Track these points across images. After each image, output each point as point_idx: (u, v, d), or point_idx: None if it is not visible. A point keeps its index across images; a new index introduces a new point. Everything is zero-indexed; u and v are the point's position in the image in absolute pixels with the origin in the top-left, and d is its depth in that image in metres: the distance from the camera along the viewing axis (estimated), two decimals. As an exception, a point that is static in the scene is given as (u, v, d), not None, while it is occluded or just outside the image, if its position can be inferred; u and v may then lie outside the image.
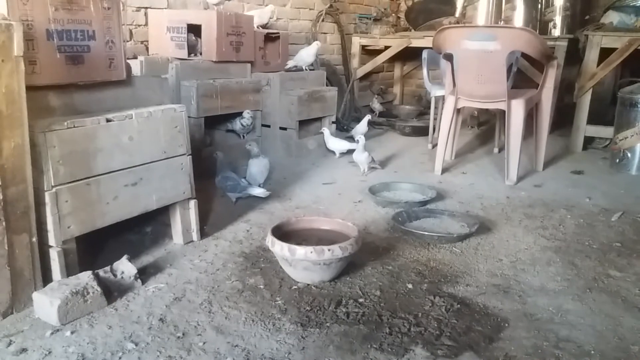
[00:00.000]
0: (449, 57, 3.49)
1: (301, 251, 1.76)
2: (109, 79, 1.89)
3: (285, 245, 1.79)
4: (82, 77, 1.78)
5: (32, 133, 1.63)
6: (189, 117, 3.19)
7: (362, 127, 4.44)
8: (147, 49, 3.65)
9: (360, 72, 5.67)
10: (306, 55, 3.91)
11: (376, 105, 5.66)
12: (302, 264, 1.80)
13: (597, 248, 2.26)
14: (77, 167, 1.75)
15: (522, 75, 4.47)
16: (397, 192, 3.05)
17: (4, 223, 1.57)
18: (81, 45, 1.75)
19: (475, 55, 3.21)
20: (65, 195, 1.72)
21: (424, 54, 4.36)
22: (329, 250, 1.76)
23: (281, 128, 3.74)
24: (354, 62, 5.72)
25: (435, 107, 4.42)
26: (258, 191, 2.78)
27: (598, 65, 4.11)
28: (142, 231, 2.30)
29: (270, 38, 3.93)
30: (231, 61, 3.54)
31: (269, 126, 3.80)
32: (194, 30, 3.45)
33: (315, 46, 3.92)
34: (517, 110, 3.23)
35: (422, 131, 4.82)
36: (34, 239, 1.67)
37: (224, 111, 3.44)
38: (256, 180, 2.96)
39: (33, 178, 1.65)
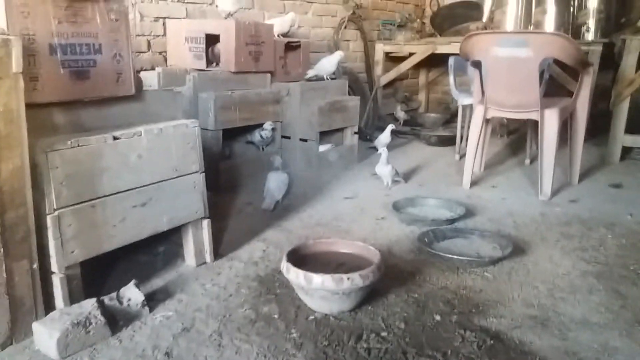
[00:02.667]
0: (477, 65, 3.32)
1: (318, 279, 1.63)
2: (117, 95, 1.79)
3: (301, 272, 1.66)
4: (88, 93, 1.69)
5: (32, 153, 1.54)
6: (206, 129, 3.14)
7: (385, 137, 4.28)
8: (165, 60, 3.58)
9: (384, 79, 5.53)
10: (328, 64, 3.79)
11: (400, 114, 5.51)
12: (319, 293, 1.66)
13: (644, 274, 2.07)
14: (82, 189, 1.65)
15: (554, 82, 4.26)
16: (422, 208, 2.89)
17: (1, 249, 1.48)
18: (87, 59, 1.66)
19: (506, 62, 3.03)
20: (68, 219, 1.62)
21: (450, 60, 4.20)
22: (348, 279, 1.62)
23: (301, 139, 3.62)
24: (378, 69, 5.58)
25: (463, 116, 4.24)
26: None
27: (637, 71, 3.87)
28: (153, 251, 2.20)
29: (290, 47, 3.82)
30: (250, 72, 3.44)
31: (289, 137, 3.68)
32: (213, 40, 3.36)
33: (337, 55, 3.80)
34: (550, 121, 3.03)
35: (448, 141, 4.64)
36: (35, 265, 1.58)
37: (242, 123, 3.33)
38: (273, 197, 2.84)
39: (34, 200, 1.56)
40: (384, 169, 3.29)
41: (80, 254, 1.68)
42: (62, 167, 1.59)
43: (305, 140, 3.61)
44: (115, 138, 1.74)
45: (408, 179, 3.54)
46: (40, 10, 1.52)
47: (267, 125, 3.42)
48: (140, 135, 1.82)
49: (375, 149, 4.35)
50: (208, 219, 2.12)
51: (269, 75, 3.60)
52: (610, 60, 4.41)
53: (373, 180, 3.44)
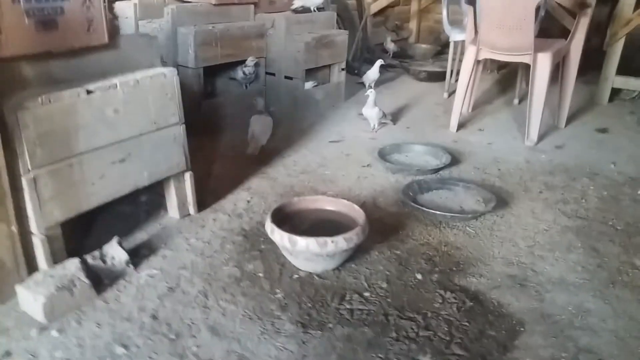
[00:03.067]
0: (472, 2, 3.17)
1: (302, 242, 1.63)
2: (88, 44, 1.67)
3: (285, 235, 1.66)
4: (56, 44, 1.57)
5: (1, 113, 1.45)
6: (186, 67, 3.01)
7: (373, 73, 4.17)
8: (141, -13, 3.34)
9: (375, 7, 5.30)
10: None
11: (390, 46, 5.32)
12: (303, 254, 1.67)
13: (621, 230, 2.11)
14: (57, 147, 1.59)
15: (549, 18, 4.11)
16: (408, 155, 2.86)
17: (-23, 214, 1.44)
18: (53, 7, 1.53)
19: (502, 2, 2.89)
20: (44, 179, 1.57)
21: (444, -6, 4.00)
22: (332, 242, 1.62)
23: (287, 77, 3.50)
24: (368, -4, 5.31)
25: (454, 52, 4.11)
26: None
27: (634, 10, 3.73)
28: (136, 201, 2.17)
29: (274, -26, 3.58)
30: (232, 3, 3.25)
31: (273, 75, 3.55)
32: (192, -33, 3.13)
33: (325, -15, 3.58)
34: (543, 65, 2.95)
35: (438, 77, 4.53)
36: (13, 227, 1.55)
37: (224, 60, 3.19)
38: (258, 141, 2.78)
39: (7, 162, 1.49)
40: (370, 112, 3.22)
41: (60, 214, 1.64)
42: (33, 125, 1.51)
43: (291, 78, 3.48)
44: (89, 92, 1.64)
45: (395, 120, 3.48)
46: (-3, -46, 1.37)
47: (250, 61, 3.28)
48: (116, 87, 1.72)
49: (363, 84, 4.25)
50: (190, 172, 2.08)
51: (252, 6, 3.40)
52: (608, -7, 4.26)
53: (359, 121, 3.38)
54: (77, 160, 1.65)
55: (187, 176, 2.07)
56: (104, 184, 1.75)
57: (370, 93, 3.20)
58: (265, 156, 2.77)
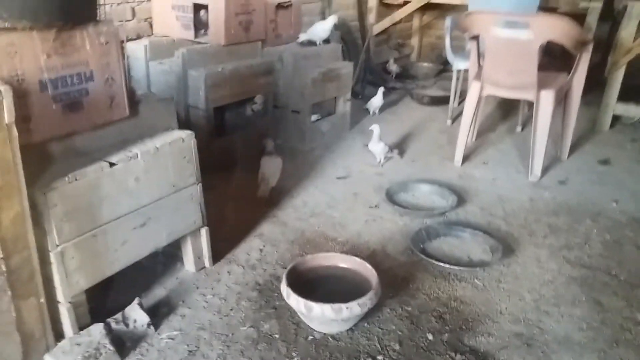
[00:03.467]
0: (476, 39, 3.23)
1: (318, 309, 1.70)
2: (111, 120, 1.74)
3: (301, 300, 1.72)
4: (82, 124, 1.64)
5: (31, 193, 1.52)
6: (197, 108, 3.07)
7: (377, 100, 4.25)
8: (151, 26, 3.41)
9: (377, 28, 5.36)
10: (322, 30, 3.64)
11: (393, 67, 5.39)
12: (318, 319, 1.74)
13: (624, 280, 2.17)
14: (82, 221, 1.65)
15: (550, 52, 4.17)
16: (415, 195, 2.93)
17: (9, 292, 1.51)
18: (79, 89, 1.60)
19: (505, 43, 2.96)
20: (71, 252, 1.64)
21: (447, 21, 4.07)
22: (347, 308, 1.69)
23: (294, 111, 3.56)
24: (371, 17, 5.38)
25: (457, 79, 4.18)
26: None
27: (635, 39, 3.80)
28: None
29: (281, 6, 3.65)
30: (241, 42, 3.31)
31: (281, 108, 3.61)
32: (201, 9, 3.20)
33: (331, 20, 3.64)
34: (546, 103, 3.02)
35: (441, 101, 4.60)
36: (42, 300, 1.61)
37: (234, 99, 3.26)
38: (268, 183, 2.84)
39: (36, 237, 1.56)
40: (376, 147, 3.28)
41: (85, 282, 1.71)
42: (61, 204, 1.58)
43: (298, 112, 3.55)
44: (111, 165, 1.71)
45: (401, 151, 3.54)
46: (27, 47, 1.44)
47: (258, 99, 3.35)
48: (137, 157, 1.79)
49: (367, 111, 4.33)
50: (206, 227, 2.14)
51: (259, 43, 3.47)
52: (609, 13, 4.31)
53: (365, 153, 3.43)
54: (100, 230, 1.72)
55: (203, 231, 2.14)
56: (125, 249, 1.82)
57: (375, 128, 3.27)
58: (275, 196, 2.84)
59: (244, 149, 3.31)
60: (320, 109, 3.90)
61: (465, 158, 3.41)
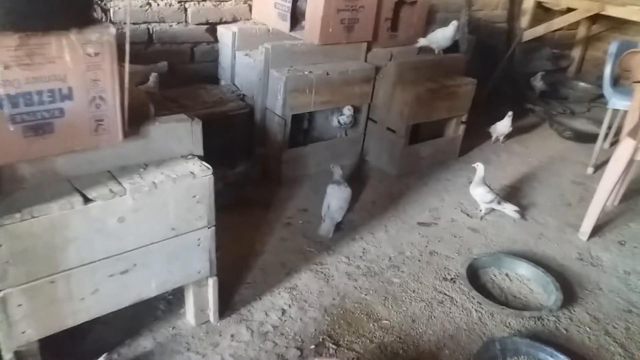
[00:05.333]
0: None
1: None
2: (95, 146, 1.40)
3: None
4: (51, 149, 1.31)
5: (-25, 226, 1.24)
6: (273, 112, 2.68)
7: (503, 125, 3.51)
8: (250, 10, 3.07)
9: (529, 34, 4.48)
10: (442, 38, 3.00)
11: (538, 84, 4.49)
12: None
13: None
14: (36, 265, 1.35)
15: None
16: (508, 276, 2.25)
17: None
18: (49, 109, 1.26)
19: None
20: (17, 299, 1.35)
21: (612, 46, 3.16)
22: None
23: (389, 129, 3.01)
24: (523, 20, 4.52)
25: (611, 119, 3.26)
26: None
27: None
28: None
29: (403, 2, 3.07)
30: (340, 43, 2.82)
31: (376, 122, 3.08)
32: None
33: (452, 27, 2.98)
34: None
35: (587, 138, 3.68)
36: (-21, 346, 1.36)
37: (319, 107, 2.81)
38: (333, 219, 2.37)
39: (-23, 278, 1.29)
40: (475, 191, 2.62)
41: (35, 332, 1.42)
42: (7, 244, 1.28)
43: (394, 132, 2.99)
44: (87, 200, 1.38)
45: (515, 198, 2.82)
46: (-25, 55, 1.13)
47: (347, 111, 2.85)
48: (125, 194, 1.44)
49: (489, 134, 3.60)
50: (214, 278, 1.76)
51: (364, 45, 2.95)
52: None
53: (466, 193, 2.77)
54: (62, 276, 1.41)
55: (211, 282, 1.76)
56: (97, 299, 1.50)
57: (478, 168, 2.60)
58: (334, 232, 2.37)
59: (316, 166, 2.87)
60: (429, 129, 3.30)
61: (597, 230, 2.60)
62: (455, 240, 2.46)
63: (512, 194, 2.92)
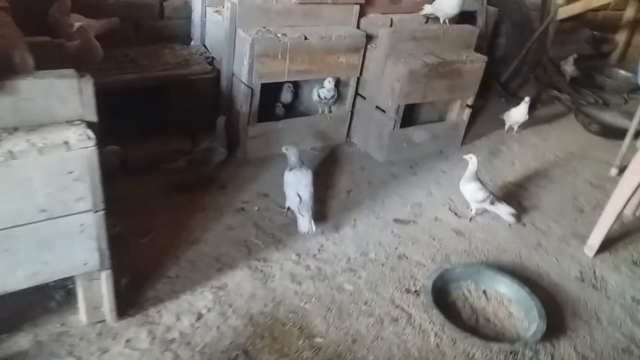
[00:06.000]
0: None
1: None
2: None
3: None
4: None
5: None
6: (240, 80, 2.34)
7: (519, 113, 3.08)
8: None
9: (564, 12, 3.94)
10: (448, 4, 2.56)
11: (569, 69, 3.97)
12: None
13: None
14: None
15: None
16: (486, 293, 1.87)
17: None
18: None
19: None
20: None
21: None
22: None
23: (378, 108, 2.62)
24: (560, -4, 3.98)
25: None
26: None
27: None
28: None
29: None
30: (324, 2, 2.43)
31: (365, 99, 2.69)
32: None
33: (461, -7, 2.54)
34: None
35: (616, 134, 3.19)
36: None
37: (294, 77, 2.46)
38: (309, 208, 2.02)
39: None
40: (466, 187, 2.24)
41: None
42: None
43: (383, 111, 2.60)
44: None
45: (516, 199, 2.42)
46: None
47: (327, 84, 2.48)
48: (-33, 164, 1.14)
49: (502, 122, 3.16)
50: (107, 271, 1.45)
51: (356, 7, 2.55)
52: None
53: (459, 191, 2.38)
54: None
55: (103, 277, 1.46)
56: (-62, 289, 1.22)
57: (471, 160, 2.21)
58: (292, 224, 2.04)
59: (296, 139, 2.52)
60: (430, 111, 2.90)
61: (608, 244, 2.19)
62: (432, 244, 2.09)
63: (514, 193, 2.52)
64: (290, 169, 2.06)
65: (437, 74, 2.56)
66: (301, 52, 2.34)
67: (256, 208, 2.16)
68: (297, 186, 2.03)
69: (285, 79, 2.41)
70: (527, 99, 3.01)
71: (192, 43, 2.68)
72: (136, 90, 2.27)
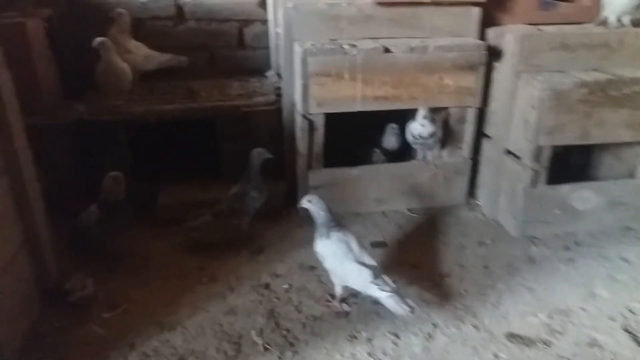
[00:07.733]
0: None
1: None
2: None
3: None
4: None
5: None
6: (296, 110, 1.73)
7: None
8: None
9: None
10: (623, 3, 1.60)
11: None
12: None
13: None
14: None
15: None
16: None
17: None
18: None
19: None
20: None
21: None
22: None
23: (509, 153, 1.72)
24: None
25: None
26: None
27: None
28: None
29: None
30: (421, 2, 1.71)
31: (490, 140, 1.82)
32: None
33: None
34: None
35: None
36: None
37: (369, 106, 1.72)
38: (373, 282, 1.27)
39: None
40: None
41: None
42: None
43: (517, 157, 1.69)
44: None
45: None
46: None
47: (421, 117, 1.69)
48: None
49: None
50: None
51: (475, 11, 1.76)
52: None
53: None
54: None
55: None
56: None
57: None
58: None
59: (374, 202, 1.80)
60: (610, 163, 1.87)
61: None
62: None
63: None
64: (329, 234, 1.32)
65: (608, 100, 1.57)
66: (380, 71, 1.64)
67: (285, 286, 1.46)
68: (347, 253, 1.28)
69: (358, 108, 1.71)
70: None
71: (269, 73, 2.19)
72: (179, 125, 1.84)
